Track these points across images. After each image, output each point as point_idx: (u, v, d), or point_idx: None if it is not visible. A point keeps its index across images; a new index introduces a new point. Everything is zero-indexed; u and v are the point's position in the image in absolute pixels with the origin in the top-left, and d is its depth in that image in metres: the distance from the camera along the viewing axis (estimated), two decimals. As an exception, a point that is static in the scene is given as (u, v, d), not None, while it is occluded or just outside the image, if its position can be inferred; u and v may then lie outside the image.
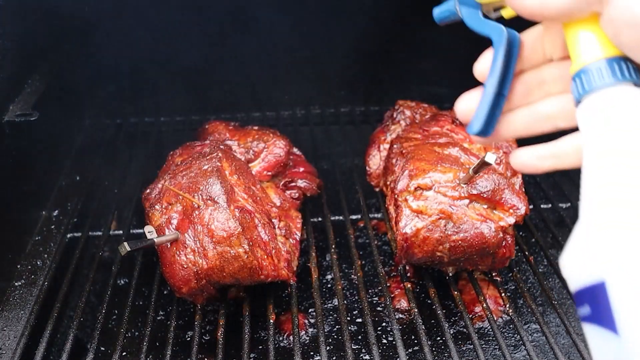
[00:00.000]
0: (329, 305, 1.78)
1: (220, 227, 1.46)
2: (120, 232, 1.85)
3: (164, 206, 1.55)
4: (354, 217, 1.92)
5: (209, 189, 1.51)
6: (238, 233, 1.46)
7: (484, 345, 1.67)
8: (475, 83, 0.84)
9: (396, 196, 1.63)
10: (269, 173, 1.79)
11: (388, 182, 1.77)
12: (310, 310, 1.75)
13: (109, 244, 1.90)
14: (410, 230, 1.56)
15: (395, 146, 1.80)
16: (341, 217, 1.90)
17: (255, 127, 1.91)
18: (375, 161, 1.98)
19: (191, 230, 1.47)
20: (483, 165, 1.50)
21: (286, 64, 2.41)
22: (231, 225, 1.46)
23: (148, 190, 1.64)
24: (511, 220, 1.57)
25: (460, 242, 1.54)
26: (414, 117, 2.03)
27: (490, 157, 1.47)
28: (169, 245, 1.49)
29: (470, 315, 1.72)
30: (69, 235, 1.83)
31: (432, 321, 1.73)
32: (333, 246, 1.78)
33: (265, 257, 1.51)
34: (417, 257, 1.59)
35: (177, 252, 1.47)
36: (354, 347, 1.65)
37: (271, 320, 1.55)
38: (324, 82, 2.45)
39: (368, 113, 2.46)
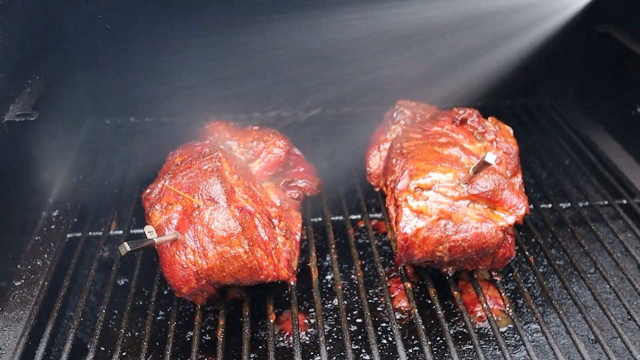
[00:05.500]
0: (329, 305, 1.78)
1: (220, 227, 1.46)
2: (120, 232, 1.85)
3: (164, 206, 1.55)
4: (354, 217, 1.92)
5: (209, 189, 1.51)
6: (238, 233, 1.46)
7: (484, 346, 1.67)
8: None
9: (396, 196, 1.63)
10: (269, 173, 1.79)
11: (388, 182, 1.77)
12: (310, 310, 1.75)
13: (109, 244, 1.90)
14: (410, 230, 1.56)
15: (395, 146, 1.80)
16: (341, 217, 1.90)
17: (255, 127, 1.91)
18: (375, 161, 1.98)
19: (191, 230, 1.47)
20: (483, 165, 1.50)
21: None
22: (231, 225, 1.46)
23: (148, 190, 1.64)
24: (511, 220, 1.57)
25: (460, 242, 1.54)
26: (414, 117, 2.03)
27: (490, 157, 1.47)
28: (169, 245, 1.49)
29: (471, 316, 1.72)
30: (69, 235, 1.83)
31: (432, 321, 1.73)
32: (333, 246, 1.78)
33: (265, 257, 1.51)
34: (417, 257, 1.59)
35: (177, 252, 1.47)
36: (354, 347, 1.65)
37: (271, 320, 1.55)
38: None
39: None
